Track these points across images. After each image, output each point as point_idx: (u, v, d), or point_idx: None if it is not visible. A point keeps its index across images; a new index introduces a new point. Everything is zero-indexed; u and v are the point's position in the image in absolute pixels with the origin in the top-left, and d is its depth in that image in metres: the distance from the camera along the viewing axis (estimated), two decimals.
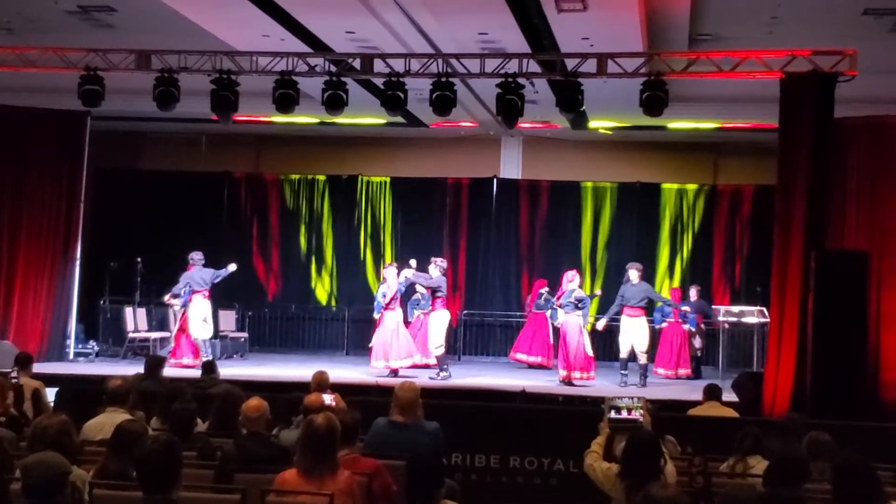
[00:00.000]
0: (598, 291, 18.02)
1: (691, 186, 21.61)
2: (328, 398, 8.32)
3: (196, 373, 13.91)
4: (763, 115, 16.58)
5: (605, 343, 18.83)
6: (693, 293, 18.79)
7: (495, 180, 22.04)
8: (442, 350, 16.53)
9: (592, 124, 19.92)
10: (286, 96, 15.17)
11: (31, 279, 17.74)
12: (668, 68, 14.65)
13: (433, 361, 16.66)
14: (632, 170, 21.64)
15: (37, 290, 17.78)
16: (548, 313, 18.70)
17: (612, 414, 7.09)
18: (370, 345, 17.16)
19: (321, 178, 22.66)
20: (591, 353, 16.50)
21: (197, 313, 17.34)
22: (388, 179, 22.43)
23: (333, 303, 22.30)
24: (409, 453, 7.36)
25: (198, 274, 17.42)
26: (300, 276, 22.53)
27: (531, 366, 18.75)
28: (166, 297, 18.00)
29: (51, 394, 11.49)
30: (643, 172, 21.62)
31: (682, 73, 14.75)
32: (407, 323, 17.43)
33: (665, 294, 19.80)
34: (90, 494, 6.08)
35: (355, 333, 21.56)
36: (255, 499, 6.35)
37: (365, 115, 19.44)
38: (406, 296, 17.68)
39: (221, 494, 6.55)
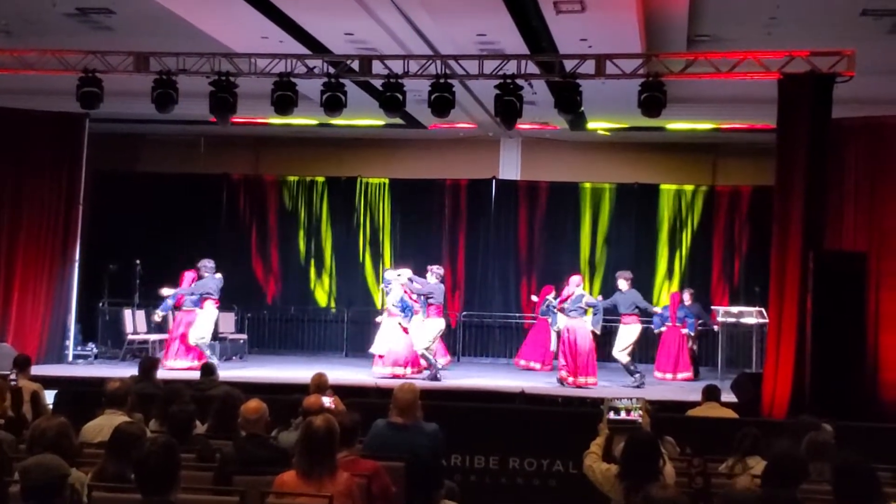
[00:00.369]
0: (599, 297, 17.93)
1: (690, 187, 21.62)
2: (327, 400, 8.31)
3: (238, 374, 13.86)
4: (761, 115, 16.58)
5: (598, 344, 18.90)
6: (687, 297, 18.76)
7: (494, 181, 22.05)
8: (430, 353, 16.49)
9: (591, 125, 19.94)
10: (285, 98, 15.17)
11: (29, 281, 17.73)
12: (666, 69, 14.66)
13: (423, 364, 16.71)
14: (630, 171, 21.65)
15: (35, 292, 17.77)
16: (550, 319, 18.65)
17: (612, 415, 7.09)
18: (378, 353, 17.03)
19: (320, 179, 22.66)
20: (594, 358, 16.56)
21: (207, 320, 17.37)
22: (386, 181, 22.43)
23: (333, 304, 22.30)
24: (409, 455, 7.37)
25: (211, 282, 17.40)
26: (299, 278, 22.53)
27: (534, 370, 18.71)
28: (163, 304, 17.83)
29: (49, 396, 11.49)
30: (642, 173, 21.63)
31: (680, 74, 14.76)
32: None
33: (665, 299, 19.86)
34: (89, 497, 6.08)
35: (354, 335, 21.57)
36: (254, 501, 6.35)
37: (364, 117, 19.46)
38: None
39: (220, 496, 6.55)
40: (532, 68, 15.12)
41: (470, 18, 13.85)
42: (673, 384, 17.56)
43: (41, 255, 17.87)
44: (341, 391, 10.85)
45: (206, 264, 17.49)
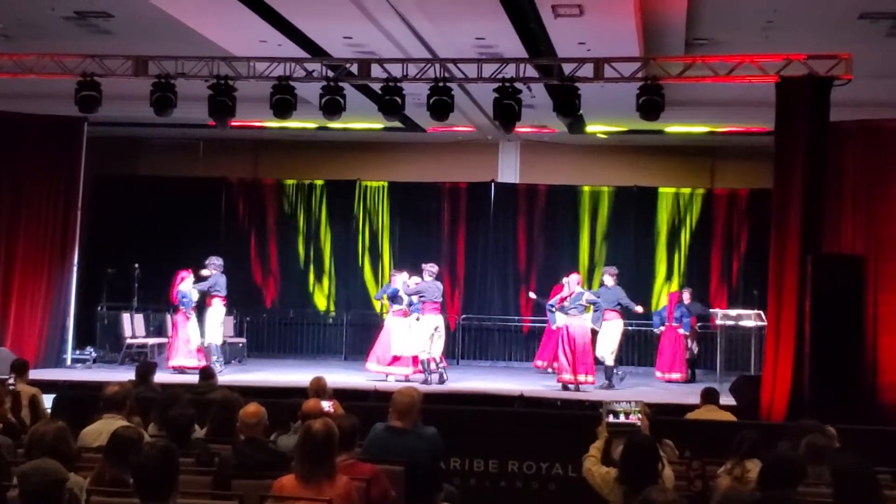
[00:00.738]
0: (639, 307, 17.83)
1: (688, 190, 21.62)
2: (326, 404, 8.31)
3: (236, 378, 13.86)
4: (759, 119, 16.62)
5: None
6: (686, 296, 18.79)
7: (493, 185, 22.05)
8: (426, 355, 16.50)
9: (590, 129, 19.95)
10: (284, 101, 15.17)
11: (28, 285, 17.72)
12: (664, 73, 14.67)
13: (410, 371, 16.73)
14: (629, 174, 21.65)
15: (34, 296, 17.76)
16: (549, 318, 18.59)
17: (611, 418, 7.10)
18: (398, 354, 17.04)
19: (319, 182, 22.66)
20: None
21: (215, 318, 17.46)
22: (385, 184, 22.44)
23: (332, 308, 22.30)
24: (407, 458, 7.36)
25: (222, 280, 17.49)
26: (298, 281, 22.52)
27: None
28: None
29: (48, 400, 11.49)
30: (640, 176, 21.63)
31: (678, 78, 14.76)
32: None
33: (664, 299, 19.89)
34: (88, 501, 6.08)
35: (353, 338, 21.57)
36: None
37: (362, 120, 19.46)
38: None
39: (219, 501, 6.55)
40: (531, 72, 15.14)
41: (468, 22, 13.86)
42: (671, 386, 17.56)
43: (40, 259, 17.85)
44: (340, 395, 10.85)
45: (215, 262, 17.58)
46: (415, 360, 16.69)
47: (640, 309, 17.53)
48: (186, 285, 17.35)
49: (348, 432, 6.84)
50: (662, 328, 18.58)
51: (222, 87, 15.26)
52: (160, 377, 13.13)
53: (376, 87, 15.49)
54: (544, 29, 13.99)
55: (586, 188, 21.86)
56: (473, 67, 15.02)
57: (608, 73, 14.63)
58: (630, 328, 19.70)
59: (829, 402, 12.84)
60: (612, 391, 16.03)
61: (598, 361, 16.51)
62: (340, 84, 15.28)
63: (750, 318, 17.10)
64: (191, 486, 6.50)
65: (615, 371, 16.80)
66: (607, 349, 16.75)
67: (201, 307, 17.76)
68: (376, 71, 15.25)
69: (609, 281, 17.08)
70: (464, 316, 21.44)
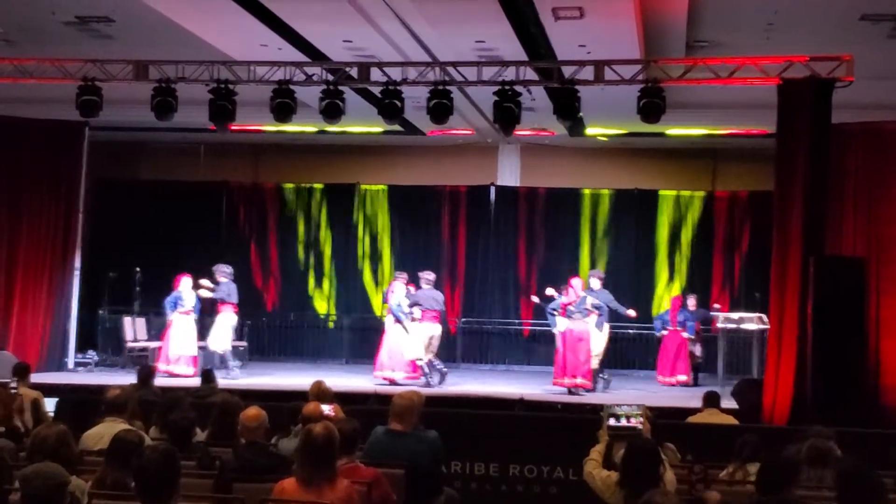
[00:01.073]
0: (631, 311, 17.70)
1: (689, 193, 21.60)
2: (327, 408, 8.31)
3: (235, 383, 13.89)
4: (760, 121, 16.60)
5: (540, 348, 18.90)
6: (691, 302, 18.83)
7: (493, 188, 22.05)
8: (423, 361, 16.48)
9: (590, 131, 19.95)
10: (284, 105, 15.18)
11: (30, 289, 17.72)
12: (665, 75, 14.67)
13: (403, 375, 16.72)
14: (630, 177, 21.63)
15: (36, 300, 17.76)
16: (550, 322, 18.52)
17: (612, 421, 7.09)
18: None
19: (319, 186, 22.66)
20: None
21: (227, 325, 17.56)
22: (385, 188, 22.44)
23: (332, 311, 22.30)
24: (408, 462, 7.36)
25: (233, 287, 17.61)
26: (299, 285, 22.52)
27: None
28: (204, 286, 17.78)
29: (50, 404, 11.49)
30: (641, 179, 21.62)
31: (679, 80, 14.75)
32: None
33: (667, 303, 19.87)
34: None
35: (354, 342, 21.57)
36: None
37: (362, 124, 19.45)
38: None
39: None
40: (531, 75, 15.14)
41: (468, 25, 13.85)
42: (672, 389, 17.54)
43: (41, 263, 17.85)
44: (341, 398, 10.84)
45: (224, 269, 17.70)
46: (413, 365, 16.68)
47: (632, 313, 17.29)
48: (184, 287, 17.45)
49: (349, 436, 6.84)
50: (665, 332, 18.55)
51: (223, 92, 15.27)
52: (160, 381, 13.14)
53: (376, 90, 15.51)
54: (544, 31, 13.98)
55: (587, 191, 21.84)
56: (473, 70, 15.02)
57: (608, 75, 14.62)
58: (630, 332, 19.70)
59: (831, 404, 12.84)
60: (610, 394, 15.99)
61: None
62: (340, 88, 15.28)
63: (752, 321, 17.11)
64: (192, 489, 6.50)
65: (601, 375, 16.72)
66: (594, 352, 16.56)
67: (209, 313, 17.92)
68: (376, 74, 15.25)
69: (596, 284, 16.90)
70: (464, 319, 21.42)
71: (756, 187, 20.03)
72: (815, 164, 13.96)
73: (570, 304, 16.26)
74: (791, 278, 13.93)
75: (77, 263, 18.41)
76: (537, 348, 20.87)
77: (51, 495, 5.63)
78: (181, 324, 17.52)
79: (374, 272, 22.18)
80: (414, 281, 17.12)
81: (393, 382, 16.41)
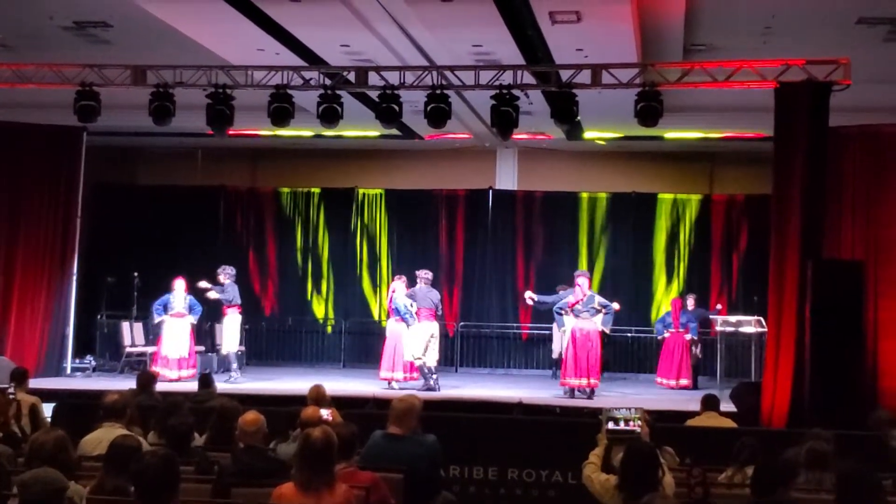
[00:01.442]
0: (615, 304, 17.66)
1: (687, 196, 21.62)
2: (325, 413, 8.30)
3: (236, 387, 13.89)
4: (758, 124, 16.63)
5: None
6: (690, 302, 18.86)
7: (491, 192, 22.06)
8: (423, 361, 16.50)
9: (587, 135, 19.95)
10: (281, 110, 15.17)
11: (28, 294, 17.72)
12: (662, 79, 14.67)
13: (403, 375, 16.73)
14: (627, 180, 21.66)
15: (34, 305, 17.76)
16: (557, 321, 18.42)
17: (610, 425, 7.09)
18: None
19: (316, 190, 22.68)
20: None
21: (233, 327, 17.67)
22: (383, 192, 22.46)
23: (330, 315, 22.30)
24: (407, 466, 7.35)
25: (235, 289, 17.76)
26: (297, 289, 22.53)
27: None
28: (207, 287, 17.82)
29: (48, 409, 11.48)
30: (639, 182, 21.64)
31: (676, 84, 14.76)
32: None
33: (664, 308, 19.87)
34: None
35: (352, 346, 21.60)
36: None
37: (360, 128, 19.47)
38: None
39: None
40: (528, 78, 15.13)
41: (466, 29, 13.86)
42: (672, 392, 17.55)
43: (39, 269, 17.85)
44: (339, 402, 10.84)
45: (229, 271, 17.78)
46: (411, 366, 16.69)
47: (616, 306, 17.00)
48: (177, 290, 17.61)
49: (347, 440, 6.83)
50: (666, 334, 18.54)
51: (220, 96, 15.27)
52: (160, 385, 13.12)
53: (373, 94, 15.51)
54: (542, 35, 13.99)
55: (584, 195, 21.86)
56: (471, 74, 15.02)
57: (606, 79, 14.62)
58: (629, 335, 19.69)
59: (829, 407, 12.84)
60: (609, 398, 15.98)
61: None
62: (338, 92, 15.28)
63: (750, 325, 17.09)
64: (190, 494, 6.49)
65: None
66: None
67: (212, 317, 17.92)
68: (373, 79, 15.25)
69: (583, 284, 16.89)
70: (462, 323, 21.43)
71: (754, 190, 20.06)
72: (812, 167, 13.97)
73: (577, 302, 16.22)
74: (789, 281, 13.93)
75: (75, 268, 18.41)
76: (536, 352, 20.87)
77: (49, 501, 5.63)
78: (171, 327, 17.59)
79: (373, 276, 22.20)
80: (411, 279, 17.10)
81: (392, 384, 16.45)
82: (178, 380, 16.71)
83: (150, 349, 18.98)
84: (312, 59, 15.58)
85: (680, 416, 12.72)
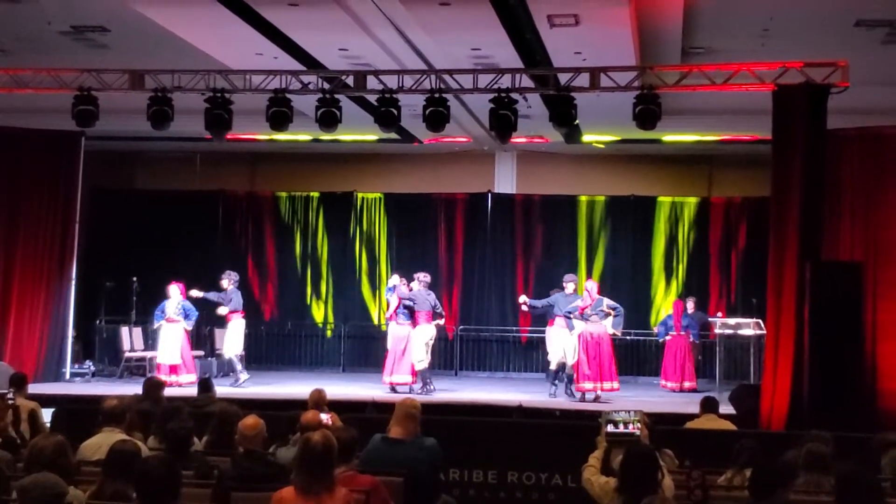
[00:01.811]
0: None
1: (685, 199, 21.63)
2: (324, 417, 8.31)
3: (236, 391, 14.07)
4: (756, 127, 16.64)
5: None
6: (690, 305, 18.86)
7: (490, 195, 22.07)
8: (424, 365, 16.50)
9: (586, 138, 19.94)
10: (280, 114, 15.17)
11: (26, 299, 17.70)
12: (660, 82, 14.67)
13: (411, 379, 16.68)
14: (626, 183, 21.66)
15: (32, 310, 17.74)
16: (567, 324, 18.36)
17: (610, 428, 7.09)
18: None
19: (315, 195, 22.68)
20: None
21: (237, 332, 17.78)
22: (382, 196, 22.46)
23: (330, 320, 22.30)
24: (407, 469, 7.35)
25: (237, 295, 17.84)
26: (296, 294, 22.53)
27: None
28: (202, 294, 17.96)
29: (47, 414, 11.47)
30: (638, 185, 21.65)
31: (674, 87, 14.76)
32: None
33: (664, 311, 19.87)
34: None
35: (352, 350, 21.60)
36: None
37: (359, 132, 19.46)
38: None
39: None
40: (526, 82, 15.13)
41: (464, 33, 13.87)
42: (674, 395, 17.54)
43: (38, 273, 17.83)
44: (339, 406, 10.85)
45: (234, 277, 17.87)
46: (412, 370, 16.68)
47: (607, 305, 17.13)
48: (172, 295, 17.70)
49: (347, 444, 6.83)
50: (668, 337, 18.54)
51: (219, 101, 15.26)
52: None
53: (372, 98, 15.52)
54: (540, 39, 14.00)
55: (583, 198, 21.88)
56: (469, 78, 15.03)
57: (604, 82, 14.63)
58: (628, 338, 19.69)
59: (828, 409, 12.83)
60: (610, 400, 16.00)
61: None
62: (336, 96, 15.28)
63: (749, 327, 17.10)
64: (190, 498, 6.49)
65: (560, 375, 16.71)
66: (569, 358, 16.52)
67: (212, 321, 17.96)
68: (372, 83, 15.26)
69: (570, 288, 16.88)
70: (462, 327, 21.44)
71: (752, 193, 20.08)
72: (811, 170, 13.97)
73: (587, 307, 16.22)
74: (788, 283, 13.93)
75: (74, 273, 18.39)
76: (535, 355, 20.87)
77: None
78: (165, 333, 17.75)
79: (372, 280, 22.20)
80: (409, 281, 17.12)
81: (393, 387, 16.46)
82: (170, 385, 16.66)
83: (149, 354, 18.98)
84: (311, 63, 15.59)
85: (679, 418, 12.72)
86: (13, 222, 17.69)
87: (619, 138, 19.96)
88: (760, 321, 16.11)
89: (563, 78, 14.83)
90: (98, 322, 20.26)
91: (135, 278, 19.85)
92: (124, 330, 19.19)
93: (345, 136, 19.51)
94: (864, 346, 14.20)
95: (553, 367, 16.79)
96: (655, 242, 21.59)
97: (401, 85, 15.07)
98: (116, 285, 20.27)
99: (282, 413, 9.75)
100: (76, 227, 18.40)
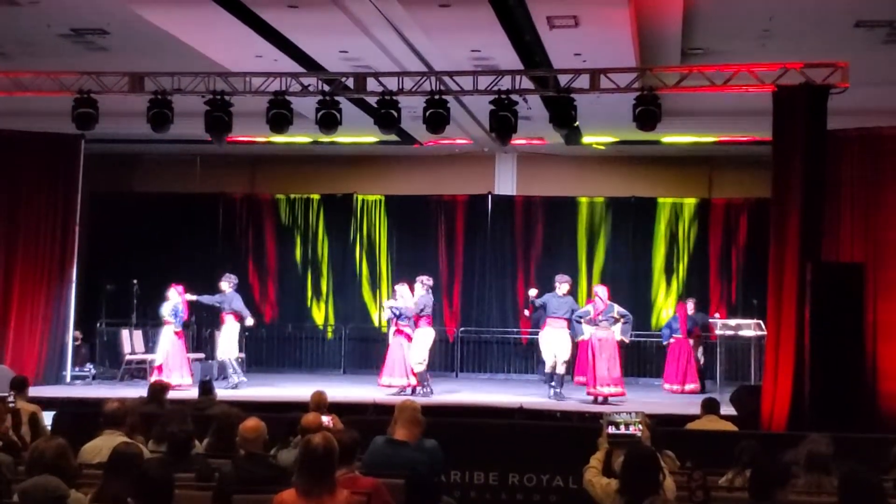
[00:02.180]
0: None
1: (686, 200, 21.62)
2: (325, 419, 8.30)
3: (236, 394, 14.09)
4: (756, 128, 16.61)
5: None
6: (690, 307, 18.84)
7: (490, 197, 22.07)
8: (422, 367, 16.50)
9: (586, 140, 19.94)
10: (280, 116, 15.17)
11: (27, 302, 17.72)
12: (660, 83, 14.67)
13: (413, 381, 16.65)
14: (627, 184, 21.66)
15: (33, 312, 17.76)
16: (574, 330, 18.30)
17: (611, 429, 7.09)
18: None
19: (315, 197, 22.68)
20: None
21: (233, 335, 17.78)
22: (382, 198, 22.46)
23: (330, 322, 22.30)
24: (408, 471, 7.35)
25: (235, 297, 17.83)
26: (296, 296, 22.52)
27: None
28: (194, 297, 18.06)
29: (48, 417, 11.46)
30: (638, 187, 21.64)
31: (674, 88, 14.77)
32: None
33: (665, 312, 19.86)
34: None
35: (352, 352, 21.59)
36: None
37: (359, 134, 19.46)
38: None
39: None
40: (526, 83, 15.14)
41: (464, 34, 13.87)
42: (677, 397, 17.52)
43: (38, 276, 17.85)
44: (339, 408, 10.85)
45: (233, 280, 17.90)
46: (412, 372, 16.67)
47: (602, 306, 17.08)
48: (170, 297, 17.71)
49: (348, 446, 6.82)
50: (672, 339, 18.53)
51: (219, 103, 15.27)
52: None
53: (372, 100, 15.53)
54: (540, 40, 14.00)
55: (583, 199, 21.87)
56: (469, 80, 15.03)
57: (604, 83, 14.63)
58: (630, 339, 19.67)
59: (829, 410, 12.84)
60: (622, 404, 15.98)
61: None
62: (336, 98, 15.28)
63: (749, 328, 17.10)
64: (191, 501, 6.49)
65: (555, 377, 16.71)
66: (560, 358, 16.54)
67: (212, 324, 17.96)
68: (372, 85, 15.26)
69: (562, 289, 16.81)
70: (462, 329, 21.44)
71: (752, 194, 20.09)
72: (811, 170, 13.97)
73: (598, 313, 16.21)
74: (788, 284, 13.93)
75: (74, 276, 18.40)
76: (536, 356, 20.83)
77: None
78: (161, 335, 17.78)
79: (372, 282, 22.20)
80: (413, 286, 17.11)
81: (394, 389, 16.48)
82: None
83: (149, 356, 18.98)
84: (311, 66, 15.59)
85: (680, 419, 12.71)
86: (13, 225, 17.71)
87: (619, 140, 19.95)
88: (761, 322, 16.10)
89: (563, 79, 14.84)
90: (98, 325, 20.25)
91: (135, 281, 19.84)
92: (125, 333, 19.20)
93: (345, 138, 19.49)
94: (864, 347, 14.20)
95: (547, 369, 16.76)
96: (656, 244, 21.58)
97: (401, 87, 15.08)
98: (117, 288, 20.27)
99: (283, 415, 9.75)
100: (76, 230, 18.43)
